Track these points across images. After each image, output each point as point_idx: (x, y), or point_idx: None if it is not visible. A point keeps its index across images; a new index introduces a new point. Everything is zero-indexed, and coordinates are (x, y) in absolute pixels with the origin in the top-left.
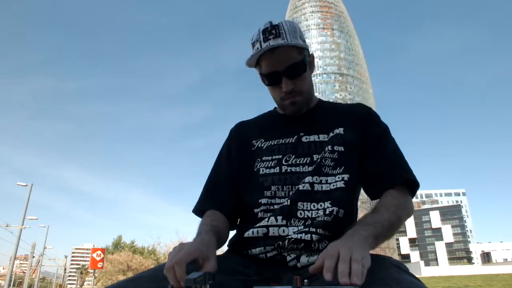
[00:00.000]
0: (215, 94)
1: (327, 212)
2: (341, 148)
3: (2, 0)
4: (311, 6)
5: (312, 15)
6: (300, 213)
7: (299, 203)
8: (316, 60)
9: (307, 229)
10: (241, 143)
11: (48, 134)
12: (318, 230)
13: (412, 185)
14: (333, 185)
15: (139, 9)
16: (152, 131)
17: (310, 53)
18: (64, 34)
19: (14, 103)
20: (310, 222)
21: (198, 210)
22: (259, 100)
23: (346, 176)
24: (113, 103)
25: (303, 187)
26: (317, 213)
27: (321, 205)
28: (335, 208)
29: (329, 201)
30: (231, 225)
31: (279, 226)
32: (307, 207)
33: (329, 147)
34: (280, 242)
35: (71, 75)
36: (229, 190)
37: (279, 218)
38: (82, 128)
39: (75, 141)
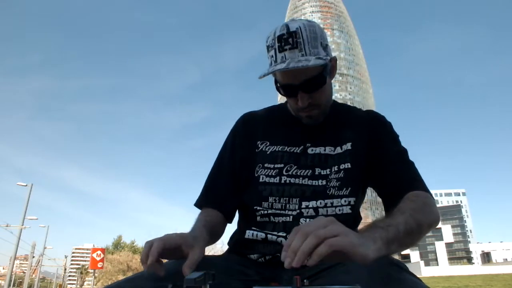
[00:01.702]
0: (215, 94)
1: None
2: (348, 165)
3: (2, 0)
4: (311, 6)
5: (312, 15)
6: None
7: (301, 219)
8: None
9: None
10: (246, 140)
11: (48, 134)
12: None
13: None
14: (339, 209)
15: (139, 9)
16: (152, 131)
17: (332, 57)
18: (64, 34)
19: (14, 103)
20: None
21: (199, 205)
22: (259, 100)
23: (352, 200)
24: (113, 103)
25: (307, 212)
26: None
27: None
28: None
29: None
30: (228, 221)
31: (278, 236)
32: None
33: (335, 167)
34: (279, 254)
35: (71, 75)
36: (229, 188)
37: (280, 229)
38: (82, 128)
39: (75, 141)
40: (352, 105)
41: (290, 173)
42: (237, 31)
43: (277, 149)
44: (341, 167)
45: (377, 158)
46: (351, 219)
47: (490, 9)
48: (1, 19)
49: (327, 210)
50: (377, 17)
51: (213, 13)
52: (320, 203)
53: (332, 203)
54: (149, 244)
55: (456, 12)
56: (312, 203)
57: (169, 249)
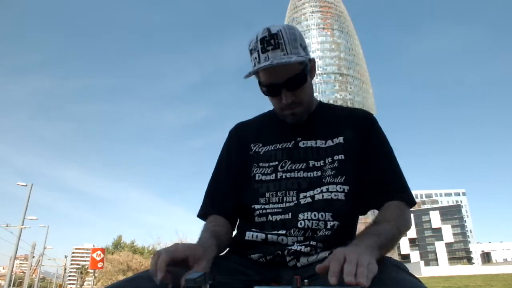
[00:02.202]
0: (215, 94)
1: (329, 226)
2: (341, 157)
3: (2, 0)
4: (311, 6)
5: (312, 15)
6: (300, 223)
7: (300, 214)
8: (316, 60)
9: (307, 242)
10: (240, 146)
11: (48, 134)
12: (319, 244)
13: (408, 200)
14: (334, 195)
15: (139, 9)
16: (152, 131)
17: (311, 58)
18: (64, 34)
19: (14, 103)
20: (310, 233)
21: (202, 215)
22: (259, 100)
23: (346, 188)
24: (113, 103)
25: (304, 200)
26: (318, 224)
27: (322, 216)
28: (336, 223)
29: (330, 213)
30: (234, 228)
31: (278, 235)
32: (307, 217)
33: (329, 158)
34: (280, 252)
35: (71, 75)
36: (230, 194)
37: (279, 226)
38: (82, 128)
39: (75, 141)
40: (351, 105)
41: (285, 168)
42: (237, 31)
43: (270, 148)
44: (335, 158)
45: (366, 157)
46: (346, 207)
47: (490, 9)
48: (1, 19)
49: (322, 195)
50: (377, 17)
51: (213, 13)
52: (316, 190)
53: (327, 189)
54: (156, 257)
55: (456, 12)
56: (309, 193)
57: (176, 261)
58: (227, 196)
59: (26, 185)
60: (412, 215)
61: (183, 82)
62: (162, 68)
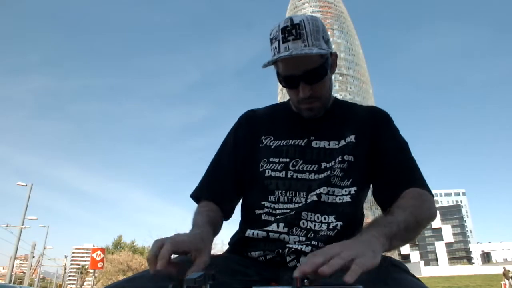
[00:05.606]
0: (215, 93)
1: (331, 226)
2: (351, 158)
3: (2, 0)
4: (311, 6)
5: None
6: (303, 223)
7: (303, 213)
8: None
9: (308, 242)
10: (249, 135)
11: (48, 134)
12: (320, 243)
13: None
14: (340, 199)
15: (139, 8)
16: (152, 131)
17: (333, 52)
18: (64, 34)
19: (14, 103)
20: (312, 234)
21: (196, 197)
22: (260, 100)
23: (353, 189)
24: (113, 103)
25: (310, 196)
26: (320, 226)
27: (325, 218)
28: (339, 223)
29: (334, 216)
30: (226, 218)
31: (280, 233)
32: (310, 218)
33: (339, 157)
34: (280, 250)
35: (71, 75)
36: (229, 183)
37: (281, 225)
38: (82, 128)
39: (75, 141)
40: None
41: (296, 168)
42: (237, 30)
43: (281, 143)
44: (345, 158)
45: (378, 153)
46: (352, 208)
47: (490, 9)
48: (1, 19)
49: (328, 198)
50: (377, 17)
51: (213, 12)
52: (324, 189)
53: (333, 192)
54: (159, 245)
55: (456, 12)
56: (316, 193)
57: (178, 253)
58: (226, 185)
59: (26, 185)
60: None
61: (183, 82)
62: (162, 68)
